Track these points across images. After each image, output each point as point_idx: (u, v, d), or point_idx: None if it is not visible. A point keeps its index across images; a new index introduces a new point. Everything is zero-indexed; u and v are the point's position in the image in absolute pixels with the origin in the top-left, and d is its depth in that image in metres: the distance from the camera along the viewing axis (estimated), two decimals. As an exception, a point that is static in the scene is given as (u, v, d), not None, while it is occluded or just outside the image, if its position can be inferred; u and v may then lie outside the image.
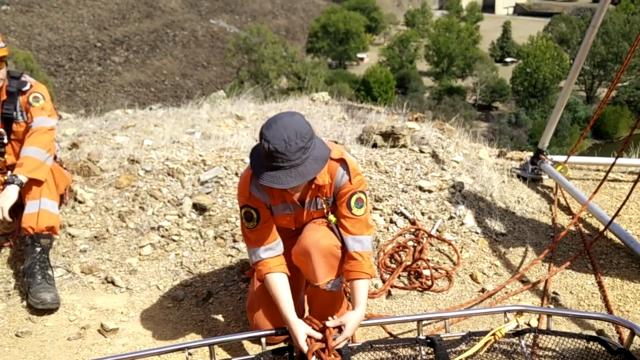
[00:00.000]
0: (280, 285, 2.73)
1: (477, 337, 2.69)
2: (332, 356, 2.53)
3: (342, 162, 2.74)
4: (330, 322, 2.63)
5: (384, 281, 3.64)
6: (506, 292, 3.53)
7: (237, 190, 2.83)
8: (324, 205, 2.82)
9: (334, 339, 2.57)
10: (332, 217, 2.83)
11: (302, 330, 2.60)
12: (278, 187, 2.50)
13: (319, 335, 2.59)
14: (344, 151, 2.78)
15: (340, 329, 2.62)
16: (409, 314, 3.33)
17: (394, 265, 3.76)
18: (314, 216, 2.88)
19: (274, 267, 2.76)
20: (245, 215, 2.77)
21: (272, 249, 2.79)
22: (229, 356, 2.94)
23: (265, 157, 2.48)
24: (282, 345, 2.75)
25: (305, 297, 3.13)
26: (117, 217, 4.10)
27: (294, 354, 2.64)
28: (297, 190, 2.68)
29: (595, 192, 3.96)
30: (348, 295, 3.13)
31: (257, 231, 2.77)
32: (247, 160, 4.50)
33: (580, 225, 4.21)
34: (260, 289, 2.96)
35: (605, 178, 3.95)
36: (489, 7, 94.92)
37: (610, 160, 4.96)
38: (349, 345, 2.64)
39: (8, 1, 63.58)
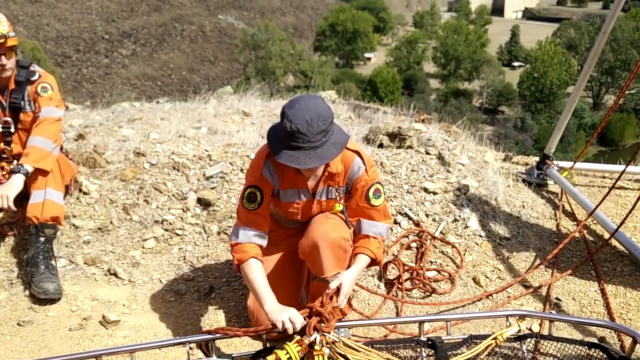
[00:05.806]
0: (262, 272, 2.72)
1: (478, 341, 2.68)
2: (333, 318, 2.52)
3: (358, 153, 2.76)
4: (333, 283, 2.64)
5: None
6: (508, 297, 3.53)
7: (249, 168, 2.83)
8: (336, 194, 2.82)
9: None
10: (339, 206, 2.84)
11: (290, 313, 2.56)
12: (295, 167, 2.53)
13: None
14: (357, 143, 2.80)
15: (337, 290, 2.64)
16: (410, 315, 3.33)
17: (396, 266, 3.75)
18: (323, 207, 2.88)
19: (260, 254, 2.76)
20: (249, 195, 2.75)
21: (263, 238, 2.78)
22: (229, 352, 2.94)
23: (285, 136, 2.51)
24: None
25: (307, 295, 3.11)
26: (122, 209, 4.11)
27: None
28: (312, 172, 2.70)
29: (602, 201, 3.95)
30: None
31: (255, 214, 2.76)
32: (253, 156, 4.49)
33: (585, 232, 4.19)
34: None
35: (614, 186, 3.93)
36: (498, 10, 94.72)
37: (616, 167, 4.94)
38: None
39: (17, -9, 63.75)
